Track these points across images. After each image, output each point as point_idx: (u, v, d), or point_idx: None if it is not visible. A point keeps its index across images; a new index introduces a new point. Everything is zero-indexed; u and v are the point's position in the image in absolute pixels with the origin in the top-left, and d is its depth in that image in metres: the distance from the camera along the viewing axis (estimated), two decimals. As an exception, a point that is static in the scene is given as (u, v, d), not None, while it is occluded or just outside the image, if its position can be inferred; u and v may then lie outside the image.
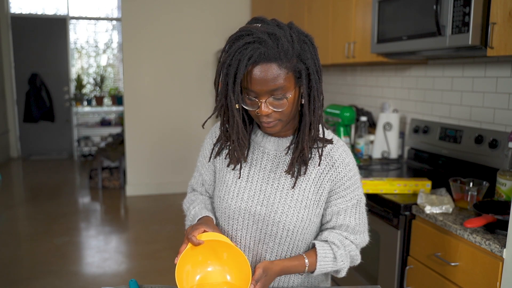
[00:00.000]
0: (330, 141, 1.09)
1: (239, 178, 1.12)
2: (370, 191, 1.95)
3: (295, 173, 1.08)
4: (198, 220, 1.13)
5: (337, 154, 1.09)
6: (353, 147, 2.76)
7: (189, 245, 0.99)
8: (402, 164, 2.57)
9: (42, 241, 3.54)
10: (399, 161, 2.63)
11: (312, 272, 1.09)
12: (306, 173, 1.09)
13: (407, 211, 1.79)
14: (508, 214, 1.45)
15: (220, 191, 1.14)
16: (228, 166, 1.14)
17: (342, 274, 1.14)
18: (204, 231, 1.02)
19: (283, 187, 1.09)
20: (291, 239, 1.09)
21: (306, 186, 1.09)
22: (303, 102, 1.02)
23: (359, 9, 2.58)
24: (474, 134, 2.07)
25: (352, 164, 1.11)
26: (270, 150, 1.12)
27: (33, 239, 3.61)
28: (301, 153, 1.06)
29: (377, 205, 1.94)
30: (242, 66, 0.93)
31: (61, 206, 4.51)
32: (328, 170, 1.09)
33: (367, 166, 2.49)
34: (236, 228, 1.12)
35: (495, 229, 1.45)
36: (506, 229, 1.37)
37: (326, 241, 1.11)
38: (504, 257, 1.34)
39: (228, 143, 1.09)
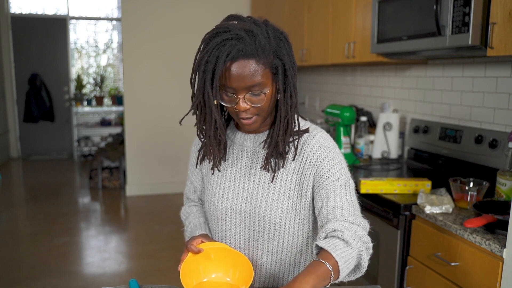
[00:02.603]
0: (306, 130, 1.10)
1: (223, 177, 1.15)
2: (370, 191, 1.95)
3: (272, 167, 1.08)
4: None
5: (314, 140, 1.09)
6: (353, 147, 2.76)
7: (190, 253, 1.03)
8: (402, 164, 2.57)
9: (42, 241, 3.54)
10: (399, 161, 2.63)
11: (338, 270, 0.93)
12: (285, 165, 1.08)
13: (407, 211, 1.79)
14: (508, 214, 1.45)
15: (208, 194, 1.17)
16: (211, 169, 1.16)
17: (364, 264, 0.99)
18: (202, 242, 1.06)
19: (264, 182, 1.10)
20: (279, 233, 1.10)
21: (287, 178, 1.09)
22: (278, 98, 1.04)
23: (359, 9, 2.58)
24: (474, 134, 2.07)
25: (332, 147, 1.09)
26: (248, 147, 1.14)
27: (33, 239, 3.61)
28: (276, 147, 1.06)
29: (377, 205, 1.94)
30: (220, 62, 0.94)
31: (61, 206, 4.51)
32: (307, 157, 1.07)
33: (367, 166, 2.49)
34: (225, 228, 1.14)
35: (495, 229, 1.45)
36: (506, 229, 1.37)
37: (326, 237, 1.01)
38: (504, 257, 1.34)
39: (204, 139, 1.10)
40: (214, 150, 1.10)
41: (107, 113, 7.06)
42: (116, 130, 6.71)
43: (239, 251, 1.15)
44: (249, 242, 1.13)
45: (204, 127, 1.07)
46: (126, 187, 4.90)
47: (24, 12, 6.79)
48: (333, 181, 1.06)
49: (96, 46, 7.15)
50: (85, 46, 7.13)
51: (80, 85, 6.85)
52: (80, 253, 3.37)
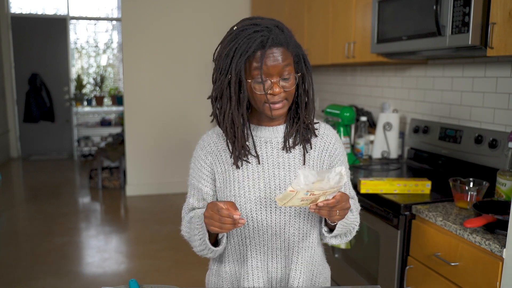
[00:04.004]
0: (316, 122, 1.22)
1: (249, 169, 1.14)
2: (370, 191, 1.95)
3: (303, 149, 1.16)
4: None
5: (331, 132, 1.23)
6: (353, 147, 2.76)
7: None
8: (402, 164, 2.57)
9: (42, 241, 3.54)
10: (399, 161, 2.63)
11: (335, 226, 1.14)
12: (309, 152, 1.17)
13: (407, 211, 1.79)
14: (508, 214, 1.45)
15: (233, 189, 1.14)
16: (234, 164, 1.14)
17: (351, 235, 1.21)
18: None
19: (294, 167, 1.15)
20: (312, 214, 1.15)
21: (313, 162, 1.18)
22: (298, 85, 1.14)
23: (359, 9, 2.58)
24: (474, 134, 2.07)
25: (340, 140, 1.25)
26: (271, 138, 1.17)
27: (33, 239, 3.61)
28: (305, 128, 1.16)
29: (377, 205, 1.94)
30: (256, 49, 1.03)
31: (61, 206, 4.51)
32: (327, 147, 1.20)
33: (367, 166, 2.49)
34: (261, 218, 1.13)
35: (495, 229, 1.45)
36: (506, 229, 1.37)
37: None
38: (504, 257, 1.34)
39: (231, 129, 1.11)
40: (239, 139, 1.11)
41: (107, 113, 7.06)
42: (116, 130, 6.71)
43: (276, 237, 1.14)
44: (285, 227, 1.14)
45: (233, 115, 1.08)
46: (126, 187, 4.90)
47: (24, 12, 6.79)
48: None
49: (96, 46, 7.15)
50: (85, 46, 7.13)
51: (80, 85, 6.85)
52: (80, 253, 3.37)
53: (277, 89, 1.06)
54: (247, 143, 1.15)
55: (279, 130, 1.18)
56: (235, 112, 1.09)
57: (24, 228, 3.91)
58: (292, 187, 0.91)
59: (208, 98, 1.14)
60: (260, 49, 1.03)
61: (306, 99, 1.15)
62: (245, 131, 1.14)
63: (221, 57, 1.07)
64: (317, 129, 1.20)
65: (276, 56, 1.04)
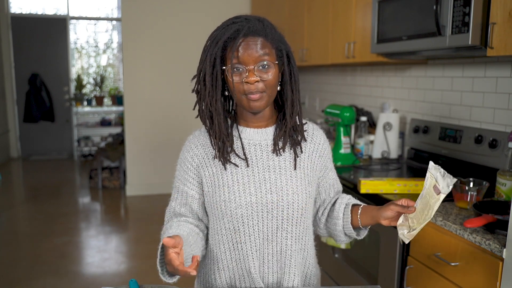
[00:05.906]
0: (304, 122, 1.20)
1: (239, 173, 1.11)
2: (370, 191, 1.95)
3: (293, 153, 1.14)
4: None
5: (319, 132, 1.23)
6: (353, 147, 2.76)
7: None
8: (402, 164, 2.57)
9: (42, 241, 3.54)
10: (399, 161, 2.63)
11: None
12: (299, 155, 1.16)
13: (407, 211, 1.79)
14: (508, 214, 1.45)
15: (223, 194, 1.10)
16: (215, 158, 1.12)
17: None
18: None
19: (285, 170, 1.13)
20: (304, 218, 1.15)
21: (303, 165, 1.16)
22: (281, 82, 1.11)
23: (359, 9, 2.58)
24: (474, 134, 2.08)
25: (327, 139, 1.26)
26: (260, 141, 1.14)
27: (33, 239, 3.61)
28: (294, 130, 1.14)
29: (377, 205, 1.93)
30: (231, 37, 1.03)
31: (61, 206, 4.51)
32: (317, 148, 1.20)
33: (367, 166, 2.49)
34: (252, 223, 1.10)
35: (495, 229, 1.45)
36: (506, 229, 1.37)
37: (348, 200, 1.23)
38: (504, 257, 1.34)
39: (213, 123, 1.10)
40: (222, 129, 1.09)
41: (107, 113, 7.07)
42: (116, 130, 6.71)
43: (267, 242, 1.11)
44: (277, 232, 1.11)
45: (212, 105, 1.09)
46: (126, 187, 4.91)
47: (24, 12, 6.79)
48: (334, 172, 1.26)
49: (96, 46, 7.15)
50: (85, 46, 7.13)
51: (80, 85, 6.85)
52: (80, 253, 3.37)
53: (252, 78, 1.02)
54: (234, 144, 1.12)
55: (269, 133, 1.14)
56: (213, 101, 1.08)
57: (24, 228, 3.91)
58: (442, 192, 0.99)
59: (192, 92, 1.14)
60: (235, 37, 1.03)
61: (291, 98, 1.11)
62: (229, 128, 1.13)
63: (205, 46, 1.08)
64: (305, 130, 1.18)
65: (251, 44, 1.02)
